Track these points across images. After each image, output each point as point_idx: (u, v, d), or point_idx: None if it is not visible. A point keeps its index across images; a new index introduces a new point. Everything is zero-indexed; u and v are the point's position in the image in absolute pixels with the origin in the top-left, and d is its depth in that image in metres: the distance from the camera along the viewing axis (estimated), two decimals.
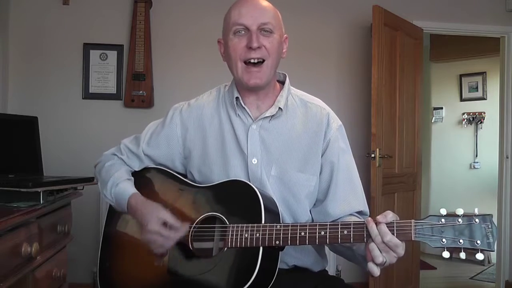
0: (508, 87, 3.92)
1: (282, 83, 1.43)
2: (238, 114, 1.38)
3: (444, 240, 1.04)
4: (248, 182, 1.27)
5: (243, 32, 1.31)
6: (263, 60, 1.31)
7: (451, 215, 1.05)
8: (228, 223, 1.23)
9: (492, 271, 4.17)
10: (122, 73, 3.38)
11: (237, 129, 1.38)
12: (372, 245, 1.07)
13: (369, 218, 1.10)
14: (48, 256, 1.79)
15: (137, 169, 1.49)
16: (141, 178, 1.47)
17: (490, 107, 5.07)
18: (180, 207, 1.36)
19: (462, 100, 5.39)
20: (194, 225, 1.29)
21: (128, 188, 1.39)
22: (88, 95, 3.37)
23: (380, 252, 1.07)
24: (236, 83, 1.40)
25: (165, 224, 1.25)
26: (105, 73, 3.38)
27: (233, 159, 1.37)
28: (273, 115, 1.37)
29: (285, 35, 1.39)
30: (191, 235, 1.28)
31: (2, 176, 2.02)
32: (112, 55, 3.38)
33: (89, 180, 2.15)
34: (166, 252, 1.29)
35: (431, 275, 4.36)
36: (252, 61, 1.30)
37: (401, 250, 1.07)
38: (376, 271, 1.09)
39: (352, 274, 3.37)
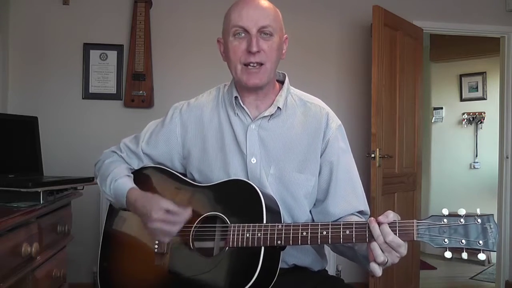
0: (508, 87, 3.92)
1: (282, 82, 1.43)
2: (237, 114, 1.39)
3: (446, 240, 1.04)
4: (250, 182, 1.27)
5: (242, 34, 1.30)
6: (262, 64, 1.31)
7: (453, 215, 1.05)
8: (229, 222, 1.23)
9: (492, 271, 4.17)
10: (122, 73, 3.38)
11: (236, 128, 1.38)
12: (374, 244, 1.07)
13: (372, 218, 1.10)
14: (48, 256, 1.79)
15: (136, 168, 1.49)
16: (141, 177, 1.46)
17: (490, 107, 5.06)
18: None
19: (462, 100, 5.38)
20: (195, 224, 1.29)
21: (126, 183, 1.38)
22: (88, 95, 3.37)
23: (382, 251, 1.07)
24: (236, 83, 1.40)
25: (167, 211, 1.24)
26: (105, 73, 3.38)
27: (232, 159, 1.37)
28: (272, 115, 1.37)
29: (285, 36, 1.39)
30: (192, 234, 1.28)
31: (2, 176, 2.02)
32: (112, 55, 3.38)
33: (89, 180, 2.15)
34: (170, 243, 1.28)
35: (431, 275, 4.36)
36: (251, 65, 1.30)
37: (403, 250, 1.07)
38: (378, 271, 1.08)
39: (352, 274, 3.38)
